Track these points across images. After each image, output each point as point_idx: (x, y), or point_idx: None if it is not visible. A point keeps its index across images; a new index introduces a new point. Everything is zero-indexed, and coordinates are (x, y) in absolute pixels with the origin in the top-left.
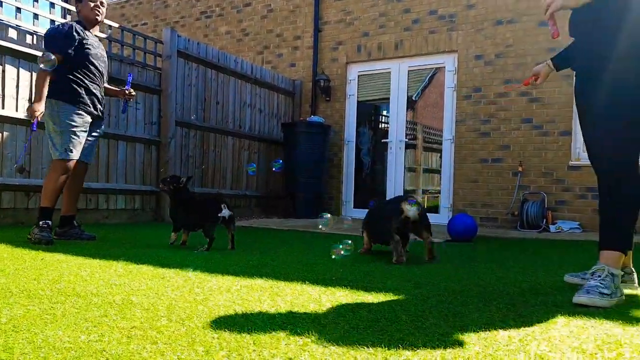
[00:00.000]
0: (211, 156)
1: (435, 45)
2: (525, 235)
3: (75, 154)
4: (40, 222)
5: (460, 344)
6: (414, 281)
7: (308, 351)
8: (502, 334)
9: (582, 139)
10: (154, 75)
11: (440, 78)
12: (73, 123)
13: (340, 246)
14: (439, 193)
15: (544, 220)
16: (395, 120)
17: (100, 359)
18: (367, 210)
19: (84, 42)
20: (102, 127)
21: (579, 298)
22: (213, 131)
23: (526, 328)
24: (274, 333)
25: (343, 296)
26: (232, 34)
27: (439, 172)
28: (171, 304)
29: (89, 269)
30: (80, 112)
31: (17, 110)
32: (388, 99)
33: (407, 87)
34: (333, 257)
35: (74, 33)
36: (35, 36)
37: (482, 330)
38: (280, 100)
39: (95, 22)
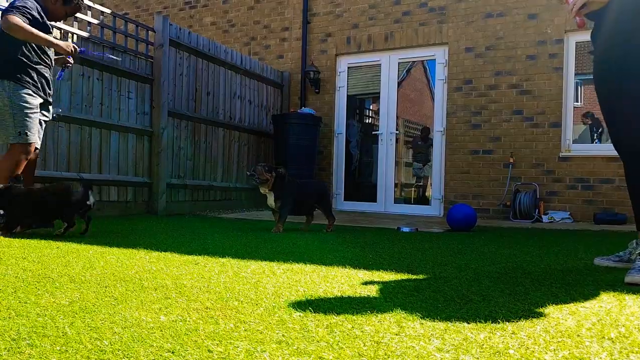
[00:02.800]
0: (202, 148)
1: (425, 38)
2: (520, 225)
3: (32, 137)
4: None
5: (551, 318)
6: (452, 265)
7: (408, 327)
8: (583, 310)
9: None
10: (145, 64)
11: (417, 72)
12: (27, 104)
13: None
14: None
15: (537, 210)
16: (386, 112)
17: (201, 338)
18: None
19: (46, 24)
20: (51, 111)
21: (633, 278)
22: (204, 122)
23: (600, 305)
24: (358, 311)
25: (394, 279)
26: (217, 25)
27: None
28: (227, 286)
29: (114, 256)
30: (32, 93)
31: None
32: (378, 92)
33: (397, 79)
34: None
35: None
36: None
37: (559, 307)
38: (269, 91)
39: (56, 20)
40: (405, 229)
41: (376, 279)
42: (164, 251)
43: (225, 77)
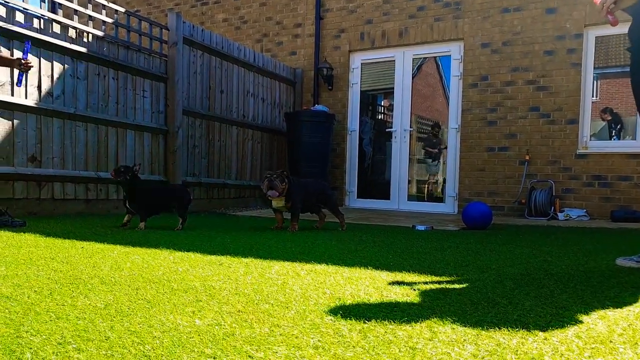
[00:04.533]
0: (216, 146)
1: (440, 33)
2: (535, 223)
3: None
4: None
5: (580, 323)
6: (473, 266)
7: (440, 332)
8: (611, 314)
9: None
10: (160, 63)
11: (428, 67)
12: None
13: None
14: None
15: (552, 208)
16: (400, 109)
17: (239, 343)
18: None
19: None
20: None
21: None
22: (218, 120)
23: (628, 309)
24: (388, 315)
25: (418, 280)
26: (229, 21)
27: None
28: (254, 288)
29: (139, 257)
30: None
31: (26, 98)
32: (390, 87)
33: (412, 75)
34: None
35: None
36: (42, 20)
37: (588, 311)
38: (282, 89)
39: None
40: (421, 228)
41: (400, 280)
42: (186, 251)
43: (239, 74)
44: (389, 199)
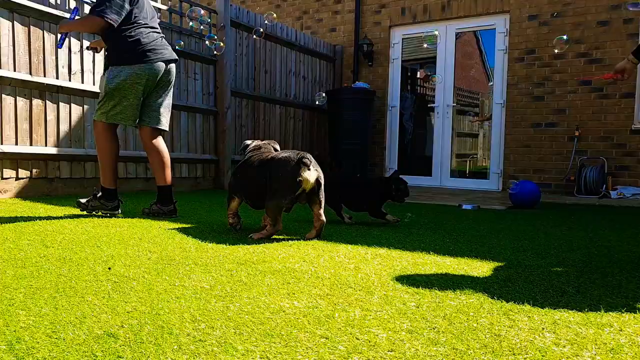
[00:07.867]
0: (261, 125)
1: (485, 6)
2: (586, 202)
3: None
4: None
5: None
6: (531, 251)
7: (518, 319)
8: None
9: None
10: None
11: (465, 38)
12: None
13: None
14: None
15: (604, 185)
16: (443, 84)
17: (342, 325)
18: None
19: None
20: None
21: None
22: (263, 100)
23: None
24: (464, 302)
25: (481, 267)
26: None
27: (475, 135)
28: (331, 272)
29: (221, 240)
30: None
31: (94, 85)
32: (428, 57)
33: (455, 50)
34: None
35: None
36: None
37: None
38: (322, 66)
39: None
40: (467, 207)
41: (464, 267)
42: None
43: (281, 54)
44: (430, 175)
